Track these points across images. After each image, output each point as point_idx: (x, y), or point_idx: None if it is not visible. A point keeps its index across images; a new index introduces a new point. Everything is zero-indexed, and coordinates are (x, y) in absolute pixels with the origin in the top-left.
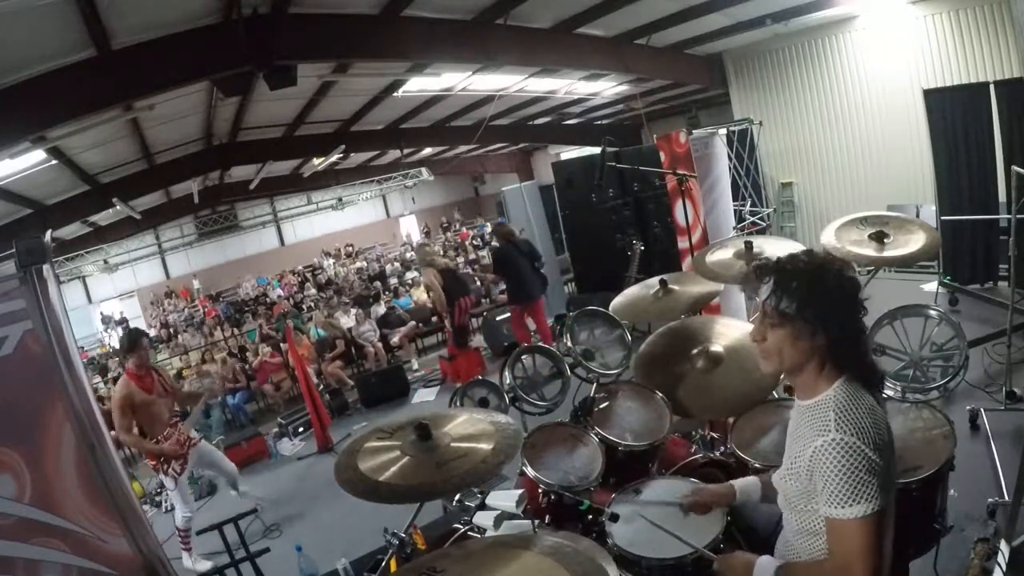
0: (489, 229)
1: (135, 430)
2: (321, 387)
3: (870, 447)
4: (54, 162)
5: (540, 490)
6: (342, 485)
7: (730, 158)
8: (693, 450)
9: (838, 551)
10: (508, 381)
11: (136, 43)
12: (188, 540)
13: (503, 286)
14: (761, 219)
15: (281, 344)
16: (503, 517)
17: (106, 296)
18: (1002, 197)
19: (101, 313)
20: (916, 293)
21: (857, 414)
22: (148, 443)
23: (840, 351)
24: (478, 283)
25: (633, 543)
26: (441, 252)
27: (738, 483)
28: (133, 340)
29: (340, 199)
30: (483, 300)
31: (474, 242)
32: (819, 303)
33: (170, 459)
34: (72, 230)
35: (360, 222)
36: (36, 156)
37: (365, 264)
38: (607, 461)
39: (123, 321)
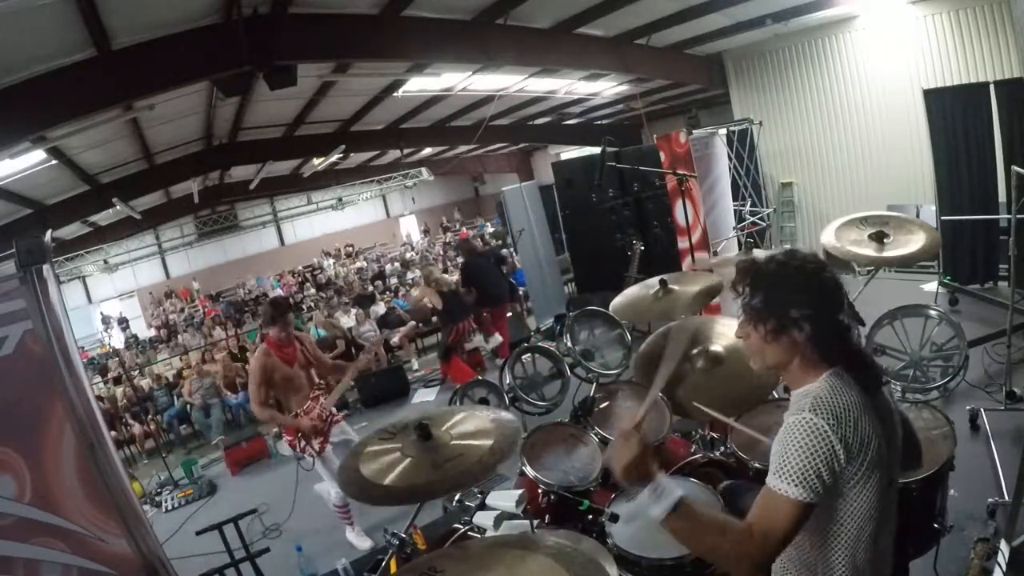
0: (490, 229)
1: (272, 402)
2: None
3: (838, 438)
4: (54, 162)
5: (540, 490)
6: (345, 490)
7: (730, 158)
8: (693, 450)
9: (760, 514)
10: (508, 381)
11: (136, 43)
12: (348, 514)
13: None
14: (761, 219)
15: None
16: (503, 517)
17: (106, 296)
18: (1002, 197)
19: (101, 313)
20: (916, 293)
21: (837, 405)
22: (285, 416)
23: (822, 346)
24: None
25: (633, 543)
26: (443, 271)
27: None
28: (279, 310)
29: (340, 199)
30: None
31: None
32: (791, 300)
33: (309, 435)
34: (72, 230)
35: (360, 222)
36: (36, 156)
37: (365, 264)
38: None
39: (123, 321)
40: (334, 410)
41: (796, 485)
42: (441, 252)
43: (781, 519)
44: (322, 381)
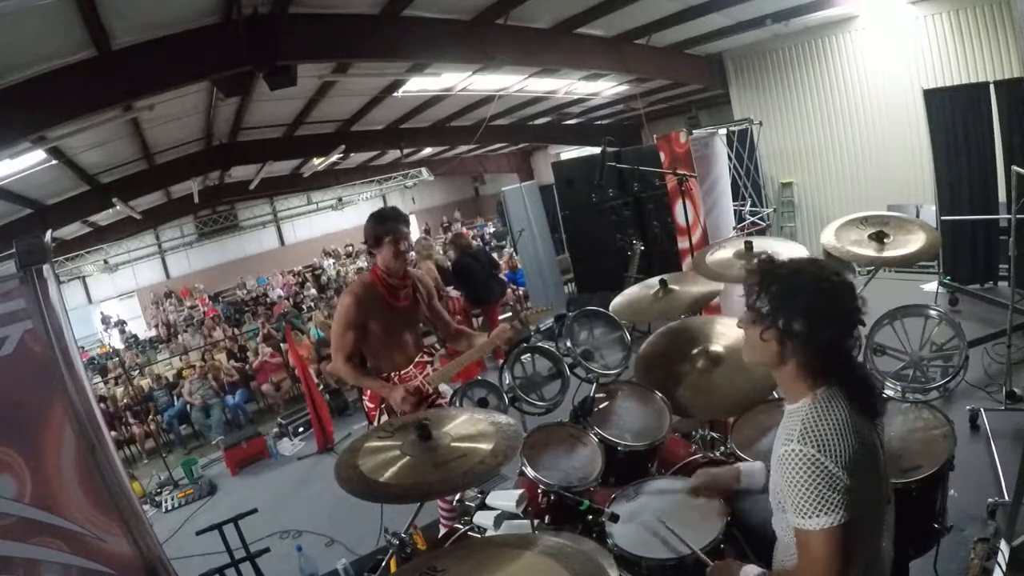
0: (491, 229)
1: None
2: (321, 387)
3: (832, 461)
4: (54, 162)
5: (540, 490)
6: (342, 485)
7: (730, 158)
8: (693, 450)
9: (803, 559)
10: (507, 381)
11: (136, 43)
12: (452, 512)
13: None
14: (761, 219)
15: (281, 344)
16: (503, 517)
17: (106, 296)
18: (1002, 197)
19: (101, 313)
20: (916, 293)
21: (824, 429)
22: (373, 379)
23: (817, 363)
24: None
25: (633, 543)
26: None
27: (744, 466)
28: (388, 222)
29: (340, 199)
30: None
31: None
32: (793, 312)
33: (393, 411)
34: (72, 230)
35: (360, 222)
36: (36, 156)
37: (366, 264)
38: (607, 461)
39: (119, 323)
40: (444, 388)
41: (814, 516)
42: (441, 251)
43: (823, 552)
44: (436, 346)
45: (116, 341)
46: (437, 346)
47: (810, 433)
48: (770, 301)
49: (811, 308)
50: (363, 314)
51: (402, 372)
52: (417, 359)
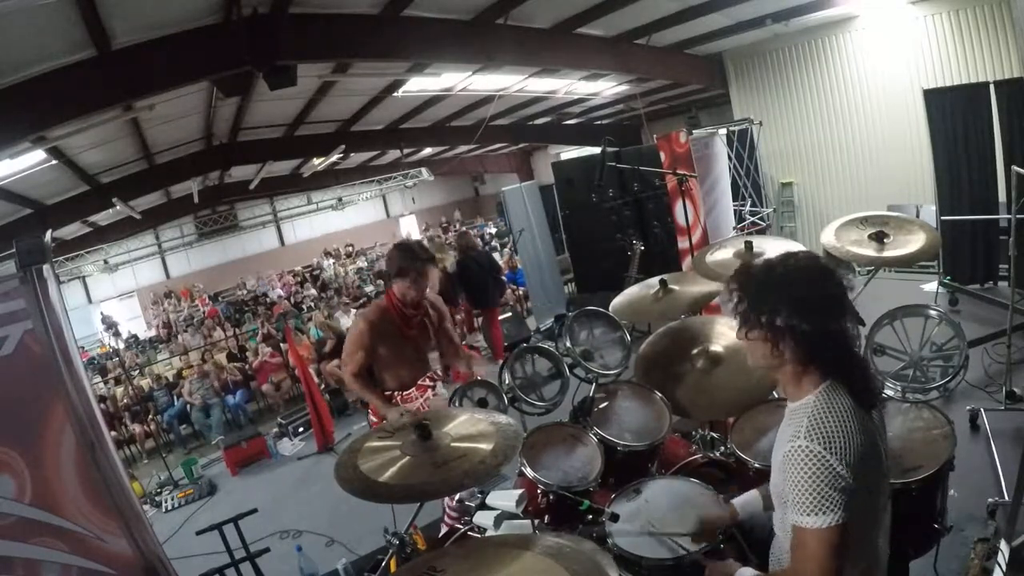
0: (492, 230)
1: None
2: (321, 387)
3: (837, 459)
4: (54, 162)
5: (540, 490)
6: (342, 485)
7: (730, 158)
8: (693, 450)
9: (797, 556)
10: (507, 381)
11: (136, 43)
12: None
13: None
14: (761, 219)
15: (281, 344)
16: (503, 517)
17: (106, 296)
18: (1002, 197)
19: (101, 313)
20: (916, 293)
21: (830, 425)
22: (377, 396)
23: (812, 354)
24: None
25: (633, 543)
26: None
27: (738, 501)
28: (413, 257)
29: (340, 199)
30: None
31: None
32: (775, 309)
33: None
34: (72, 230)
35: (360, 222)
36: (36, 156)
37: (366, 264)
38: (606, 461)
39: (112, 326)
40: (441, 390)
41: (814, 514)
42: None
43: (819, 551)
44: (438, 372)
45: (115, 341)
46: (439, 372)
47: (816, 429)
48: (751, 303)
49: (790, 298)
50: (375, 340)
51: (405, 392)
52: (421, 382)
